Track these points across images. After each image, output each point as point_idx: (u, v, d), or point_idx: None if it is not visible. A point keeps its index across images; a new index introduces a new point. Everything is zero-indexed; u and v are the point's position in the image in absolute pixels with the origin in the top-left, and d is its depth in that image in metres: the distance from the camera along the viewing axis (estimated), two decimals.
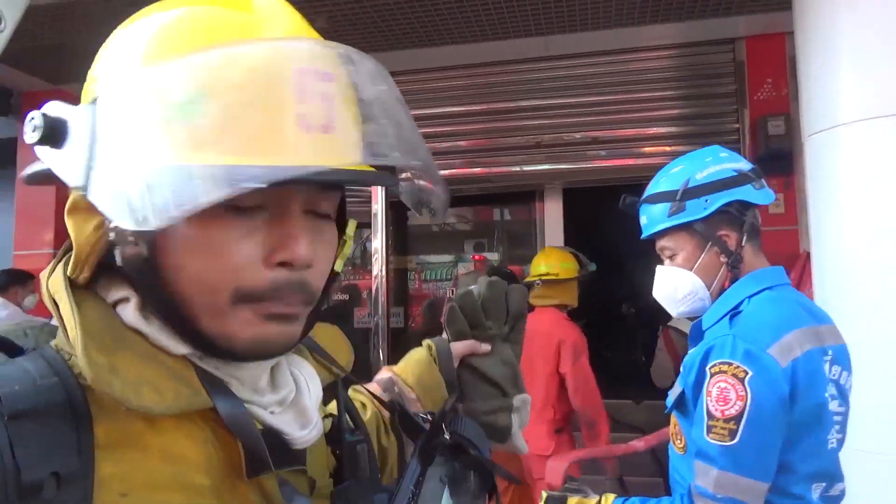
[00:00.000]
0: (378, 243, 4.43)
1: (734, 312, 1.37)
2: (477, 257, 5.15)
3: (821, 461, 1.29)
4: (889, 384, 2.04)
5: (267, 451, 0.54)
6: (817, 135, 2.33)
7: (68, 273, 0.57)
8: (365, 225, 4.44)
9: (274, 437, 0.59)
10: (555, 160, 4.25)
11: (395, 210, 4.61)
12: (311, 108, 0.49)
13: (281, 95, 0.48)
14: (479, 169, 4.36)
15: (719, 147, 1.50)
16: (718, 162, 1.43)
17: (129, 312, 0.57)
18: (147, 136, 0.47)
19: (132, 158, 0.47)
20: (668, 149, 4.12)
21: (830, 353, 1.31)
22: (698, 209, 1.41)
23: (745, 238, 1.41)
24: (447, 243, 5.30)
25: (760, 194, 1.41)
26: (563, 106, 4.23)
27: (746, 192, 1.40)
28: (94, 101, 0.51)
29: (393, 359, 4.53)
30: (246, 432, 0.54)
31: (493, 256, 5.22)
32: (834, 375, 1.31)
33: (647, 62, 4.15)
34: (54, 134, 0.50)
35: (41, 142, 0.50)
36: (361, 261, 4.75)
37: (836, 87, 2.25)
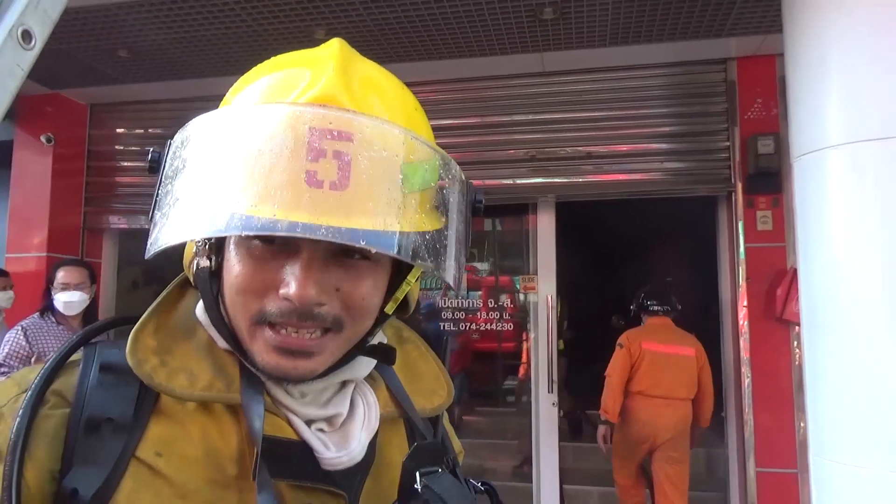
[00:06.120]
0: None
1: None
2: (467, 267, 5.18)
3: None
4: (873, 397, 2.09)
5: (259, 457, 0.58)
6: (804, 156, 2.38)
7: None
8: None
9: (306, 451, 0.63)
10: (548, 174, 4.30)
11: None
12: (321, 165, 0.52)
13: (292, 152, 0.53)
14: (473, 181, 4.38)
15: None
16: None
17: (200, 310, 0.68)
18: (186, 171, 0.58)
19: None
20: (660, 165, 4.19)
21: None
22: None
23: None
24: None
25: None
26: (557, 121, 4.29)
27: None
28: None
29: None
30: (253, 433, 0.59)
31: (484, 266, 5.25)
32: None
33: (641, 80, 4.22)
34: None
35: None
36: None
37: (824, 111, 2.31)
